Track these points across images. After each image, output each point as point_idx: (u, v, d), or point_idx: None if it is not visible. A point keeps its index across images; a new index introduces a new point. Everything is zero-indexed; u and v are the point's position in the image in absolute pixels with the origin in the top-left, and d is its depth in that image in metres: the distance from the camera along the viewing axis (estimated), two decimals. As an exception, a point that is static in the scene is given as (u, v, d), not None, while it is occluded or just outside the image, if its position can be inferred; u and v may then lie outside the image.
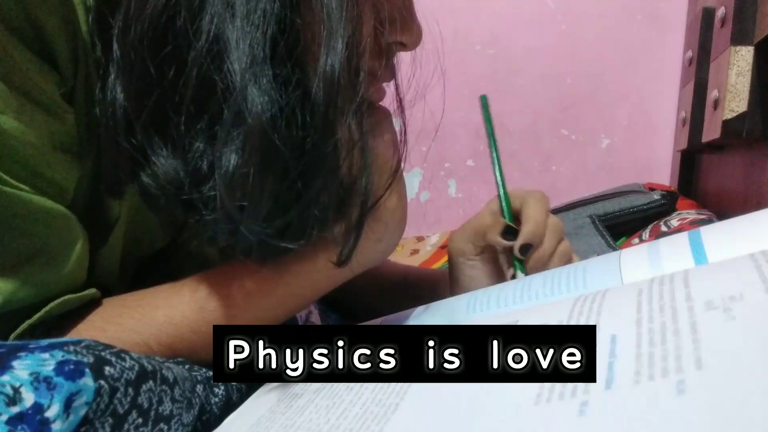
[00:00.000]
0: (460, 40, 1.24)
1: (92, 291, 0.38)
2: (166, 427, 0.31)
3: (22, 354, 0.26)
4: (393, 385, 0.27)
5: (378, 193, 0.38)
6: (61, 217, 0.35)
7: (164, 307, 0.38)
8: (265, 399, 0.33)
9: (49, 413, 0.25)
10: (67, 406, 0.26)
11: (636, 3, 1.20)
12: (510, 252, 0.48)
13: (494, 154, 0.51)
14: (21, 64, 0.32)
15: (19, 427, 0.24)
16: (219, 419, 0.36)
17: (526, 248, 0.47)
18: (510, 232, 0.48)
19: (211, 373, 0.37)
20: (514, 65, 1.24)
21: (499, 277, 0.51)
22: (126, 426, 0.28)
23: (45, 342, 0.28)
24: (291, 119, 0.32)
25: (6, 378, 0.25)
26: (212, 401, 0.36)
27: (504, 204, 0.50)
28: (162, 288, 0.40)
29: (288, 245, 0.35)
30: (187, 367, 0.36)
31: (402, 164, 0.40)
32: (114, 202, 0.40)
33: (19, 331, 0.34)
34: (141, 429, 0.29)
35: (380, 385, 0.28)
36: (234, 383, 0.38)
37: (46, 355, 0.26)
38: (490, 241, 0.49)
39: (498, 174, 0.50)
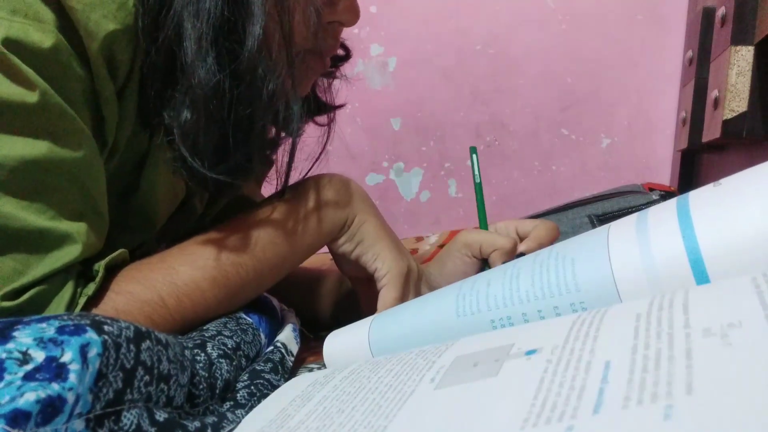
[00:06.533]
0: (460, 40, 1.24)
1: (123, 251, 0.44)
2: (166, 387, 0.31)
3: (20, 326, 0.26)
4: (383, 407, 0.27)
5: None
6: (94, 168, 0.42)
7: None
8: (255, 422, 0.33)
9: (65, 358, 0.25)
10: (83, 355, 0.25)
11: (636, 3, 1.20)
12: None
13: (479, 197, 0.57)
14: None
15: (37, 375, 0.24)
16: (206, 382, 0.36)
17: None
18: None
19: (192, 342, 0.39)
20: (514, 65, 1.24)
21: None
22: (135, 382, 0.28)
23: (37, 316, 0.27)
24: (228, 87, 0.43)
25: (11, 345, 0.24)
26: (197, 366, 0.36)
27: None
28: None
29: (227, 179, 0.45)
30: (170, 336, 0.36)
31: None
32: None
33: (91, 293, 0.39)
34: (149, 387, 0.29)
35: (371, 407, 0.28)
36: (215, 346, 0.40)
37: (44, 324, 0.26)
38: (493, 260, 0.53)
39: (481, 214, 0.56)
